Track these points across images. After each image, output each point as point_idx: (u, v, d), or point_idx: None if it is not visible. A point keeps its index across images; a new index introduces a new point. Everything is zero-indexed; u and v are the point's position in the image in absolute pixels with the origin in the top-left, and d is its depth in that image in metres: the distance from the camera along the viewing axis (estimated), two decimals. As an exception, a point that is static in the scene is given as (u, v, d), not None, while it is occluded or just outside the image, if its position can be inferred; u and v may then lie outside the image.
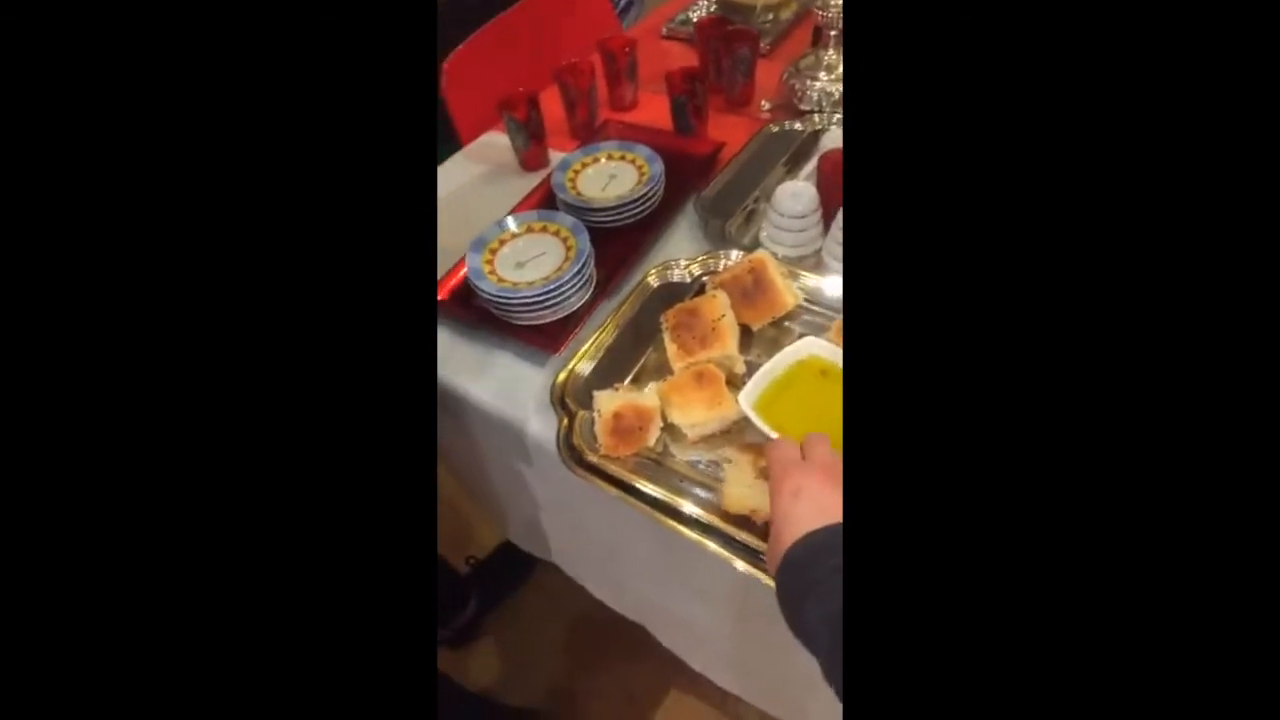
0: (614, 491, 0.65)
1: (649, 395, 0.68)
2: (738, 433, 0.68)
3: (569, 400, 0.72)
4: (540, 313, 0.77)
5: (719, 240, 0.86)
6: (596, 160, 0.93)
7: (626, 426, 0.66)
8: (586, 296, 0.80)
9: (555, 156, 1.04)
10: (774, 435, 0.60)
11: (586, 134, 1.05)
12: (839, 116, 0.99)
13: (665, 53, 1.26)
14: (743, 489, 0.61)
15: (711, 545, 0.61)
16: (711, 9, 1.31)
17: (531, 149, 1.02)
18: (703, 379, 0.67)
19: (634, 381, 0.74)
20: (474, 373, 0.79)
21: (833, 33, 1.01)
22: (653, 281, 0.82)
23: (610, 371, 0.74)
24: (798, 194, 0.80)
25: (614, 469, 0.66)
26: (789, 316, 0.76)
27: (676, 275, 0.83)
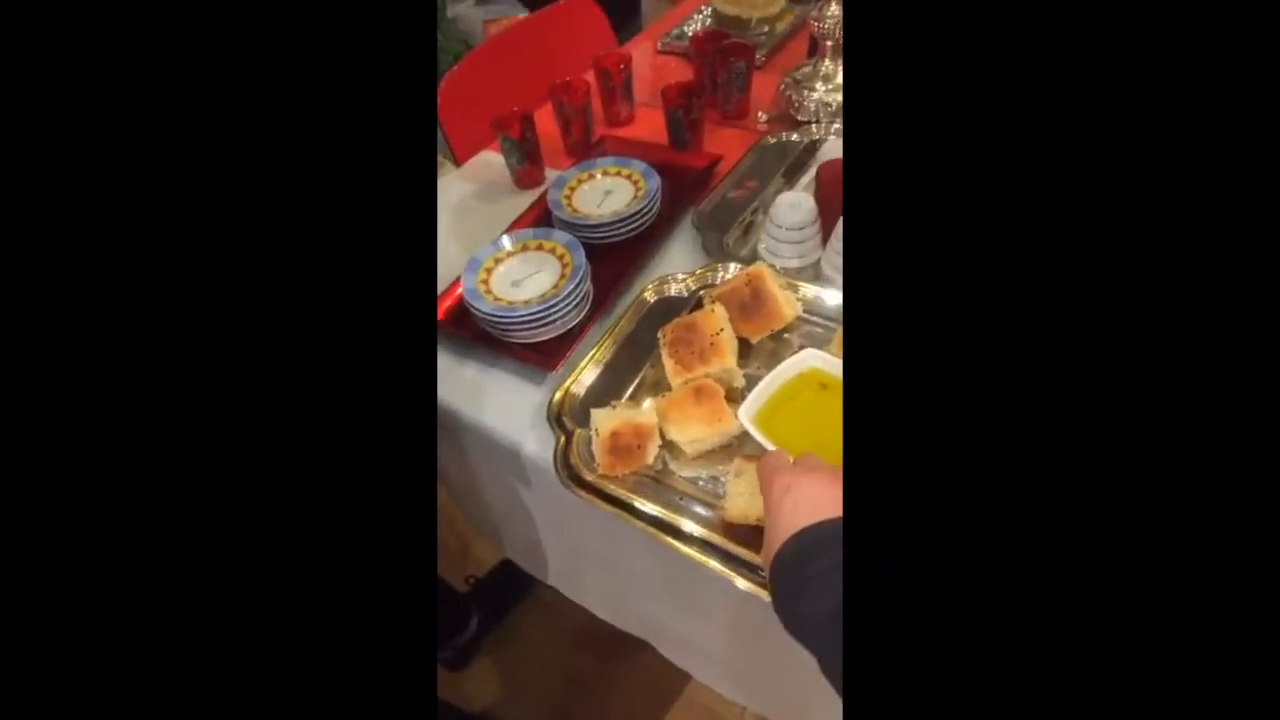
0: (612, 510, 0.64)
1: (647, 412, 0.67)
2: (737, 448, 0.66)
3: (566, 419, 0.71)
4: (537, 330, 0.76)
5: (717, 253, 0.85)
6: (592, 176, 0.93)
7: (624, 445, 0.65)
8: (583, 313, 0.80)
9: (551, 174, 1.03)
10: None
11: (582, 151, 1.05)
12: (837, 126, 0.99)
13: (661, 67, 1.26)
14: (746, 499, 0.60)
15: (713, 563, 0.60)
16: (707, 23, 1.31)
17: (526, 167, 1.02)
18: (701, 394, 0.66)
19: (632, 398, 0.73)
20: (470, 392, 0.78)
21: (829, 43, 1.01)
22: (650, 297, 0.81)
23: (608, 388, 0.73)
24: (796, 205, 0.80)
25: (612, 488, 0.65)
26: (788, 329, 0.75)
27: (674, 290, 0.82)
